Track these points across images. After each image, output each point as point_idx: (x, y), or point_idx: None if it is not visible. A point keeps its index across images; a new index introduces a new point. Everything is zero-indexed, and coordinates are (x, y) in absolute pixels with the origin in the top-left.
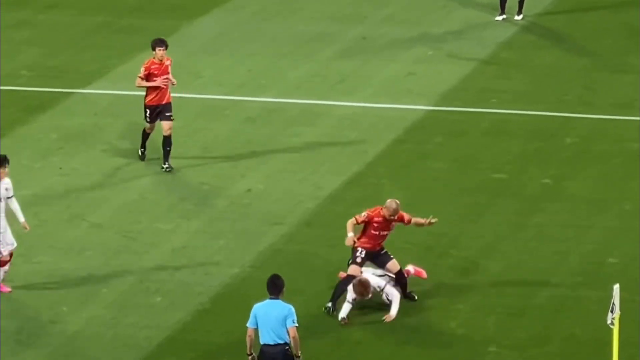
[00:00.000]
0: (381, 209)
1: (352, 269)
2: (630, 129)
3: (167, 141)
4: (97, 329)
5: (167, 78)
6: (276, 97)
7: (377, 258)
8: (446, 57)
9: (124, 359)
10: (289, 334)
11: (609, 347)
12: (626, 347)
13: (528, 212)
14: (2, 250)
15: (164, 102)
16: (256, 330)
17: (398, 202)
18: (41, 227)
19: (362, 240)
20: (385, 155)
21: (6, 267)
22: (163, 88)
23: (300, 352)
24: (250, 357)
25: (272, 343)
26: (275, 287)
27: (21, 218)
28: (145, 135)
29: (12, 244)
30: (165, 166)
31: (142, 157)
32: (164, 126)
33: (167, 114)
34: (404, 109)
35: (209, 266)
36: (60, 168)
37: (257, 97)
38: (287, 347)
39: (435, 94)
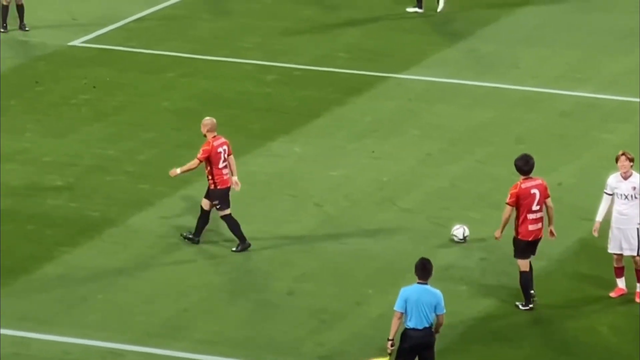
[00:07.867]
0: None
1: None
2: None
3: None
4: None
5: None
6: (592, 92)
7: None
8: None
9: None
10: (436, 320)
11: None
12: None
13: None
14: None
15: None
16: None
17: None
18: (351, 208)
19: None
20: None
21: None
22: None
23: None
24: (390, 342)
25: (420, 327)
26: (426, 272)
27: None
28: None
29: None
30: None
31: None
32: None
33: None
34: None
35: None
36: (373, 151)
37: (573, 91)
38: (431, 331)
39: None
